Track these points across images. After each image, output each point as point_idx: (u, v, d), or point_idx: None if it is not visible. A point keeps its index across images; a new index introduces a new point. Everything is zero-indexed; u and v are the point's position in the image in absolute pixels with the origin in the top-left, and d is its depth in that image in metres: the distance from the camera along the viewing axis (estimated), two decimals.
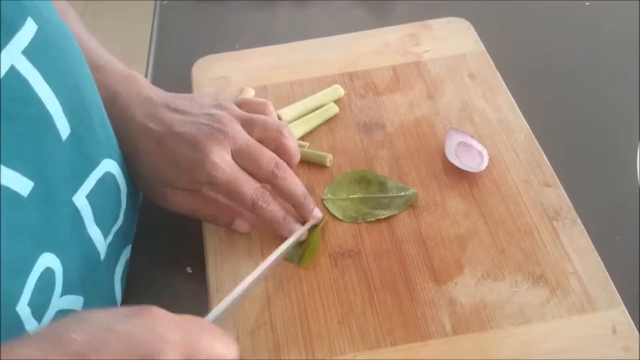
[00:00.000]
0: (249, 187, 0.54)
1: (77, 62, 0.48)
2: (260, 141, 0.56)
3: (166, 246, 0.61)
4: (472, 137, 0.63)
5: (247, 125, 0.57)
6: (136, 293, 0.58)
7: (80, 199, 0.48)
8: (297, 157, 0.58)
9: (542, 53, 0.74)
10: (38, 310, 0.42)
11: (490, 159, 0.61)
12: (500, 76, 0.69)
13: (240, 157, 0.55)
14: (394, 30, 0.76)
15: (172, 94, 0.59)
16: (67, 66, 0.46)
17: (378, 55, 0.73)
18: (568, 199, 0.58)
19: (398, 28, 0.76)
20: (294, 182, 0.56)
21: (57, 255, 0.44)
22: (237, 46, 0.77)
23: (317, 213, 0.58)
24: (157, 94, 0.58)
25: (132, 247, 0.61)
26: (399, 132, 0.65)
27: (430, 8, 0.79)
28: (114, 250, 0.55)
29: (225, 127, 0.55)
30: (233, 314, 0.53)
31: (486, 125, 0.65)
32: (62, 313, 0.45)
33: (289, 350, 0.51)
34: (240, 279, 0.53)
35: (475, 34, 0.74)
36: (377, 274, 0.55)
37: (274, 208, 0.56)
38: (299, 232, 0.56)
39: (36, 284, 0.41)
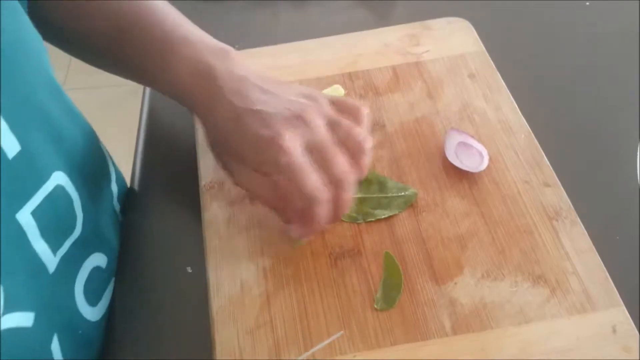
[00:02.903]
0: (314, 179, 0.51)
1: (31, 74, 0.46)
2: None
3: (166, 246, 0.61)
4: (472, 137, 0.63)
5: (332, 126, 0.54)
6: (136, 292, 0.58)
7: (24, 216, 0.46)
8: (363, 176, 0.55)
9: (542, 53, 0.74)
10: None
11: (490, 159, 0.61)
12: (500, 76, 0.69)
13: (313, 152, 0.52)
14: (394, 30, 0.76)
15: (269, 77, 0.57)
16: (18, 80, 0.44)
17: (378, 55, 0.73)
18: (568, 199, 0.58)
19: (398, 28, 0.76)
20: (347, 205, 0.53)
21: None
22: (237, 46, 0.76)
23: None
24: (252, 74, 0.56)
25: (132, 247, 0.61)
26: (399, 132, 0.65)
27: (430, 8, 0.79)
28: (71, 261, 0.53)
29: (306, 116, 0.53)
30: (233, 314, 0.53)
31: (486, 125, 0.65)
32: (9, 332, 0.43)
33: (289, 350, 0.51)
34: (241, 281, 0.54)
35: (475, 34, 0.74)
36: (377, 274, 0.55)
37: (325, 213, 0.52)
38: None
39: None
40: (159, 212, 0.61)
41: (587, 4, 0.80)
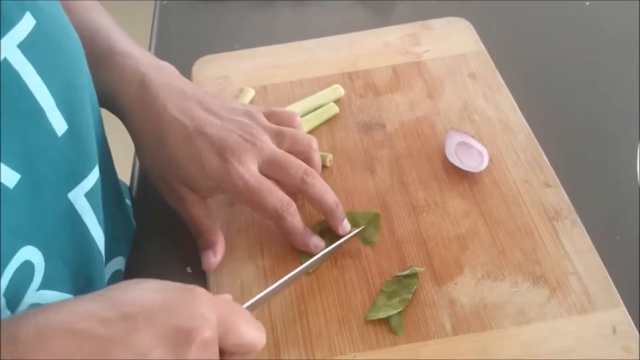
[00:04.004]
0: (273, 197, 0.54)
1: (75, 59, 0.48)
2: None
3: (166, 246, 0.61)
4: (472, 137, 0.63)
5: (277, 137, 0.57)
6: None
7: (78, 197, 0.48)
8: (320, 171, 0.58)
9: (542, 53, 0.74)
10: (12, 301, 0.42)
11: (490, 159, 0.61)
12: (500, 76, 0.69)
13: (269, 168, 0.55)
14: (394, 30, 0.76)
15: (202, 91, 0.59)
16: (64, 62, 0.46)
17: (378, 55, 0.73)
18: (568, 199, 0.58)
19: (398, 28, 0.76)
20: (325, 190, 0.56)
21: (40, 250, 0.44)
22: (237, 46, 0.77)
23: (347, 225, 0.57)
24: (189, 87, 0.58)
25: (132, 247, 0.61)
26: (399, 132, 0.65)
27: (430, 8, 0.79)
28: (107, 254, 0.54)
29: (254, 138, 0.55)
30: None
31: (486, 125, 0.65)
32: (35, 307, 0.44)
33: (289, 350, 0.51)
34: (241, 281, 0.54)
35: (476, 33, 0.74)
36: (377, 274, 0.55)
37: (297, 221, 0.55)
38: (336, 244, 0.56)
39: (13, 276, 0.41)
40: (159, 212, 0.61)
41: (587, 4, 0.80)
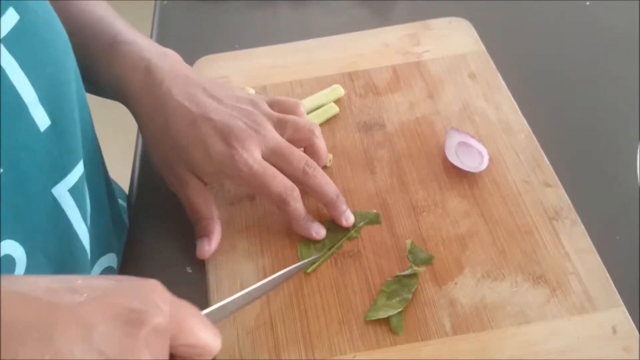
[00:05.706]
0: (277, 182, 0.54)
1: (62, 55, 0.48)
2: (291, 141, 0.57)
3: (166, 246, 0.61)
4: (472, 137, 0.63)
5: (279, 125, 0.57)
6: None
7: (62, 192, 0.48)
8: (326, 159, 0.60)
9: (542, 53, 0.74)
10: None
11: (490, 159, 0.61)
12: (500, 76, 0.69)
13: (271, 156, 0.56)
14: (394, 30, 0.76)
15: (207, 78, 0.59)
16: (49, 58, 0.46)
17: (378, 55, 0.73)
18: (568, 199, 0.58)
19: (398, 28, 0.76)
20: (325, 181, 0.56)
21: (22, 244, 0.44)
22: (237, 46, 0.77)
23: (350, 215, 0.57)
24: (194, 73, 0.59)
25: (132, 246, 0.61)
26: (399, 132, 0.65)
27: (430, 8, 0.79)
28: (96, 250, 0.54)
29: (257, 125, 0.56)
30: (233, 314, 0.53)
31: (486, 125, 0.65)
32: None
33: (289, 350, 0.51)
34: (241, 281, 0.54)
35: (476, 33, 0.74)
36: (377, 274, 0.55)
37: (300, 206, 0.55)
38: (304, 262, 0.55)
39: None
40: (159, 212, 0.61)
41: (587, 3, 0.80)
